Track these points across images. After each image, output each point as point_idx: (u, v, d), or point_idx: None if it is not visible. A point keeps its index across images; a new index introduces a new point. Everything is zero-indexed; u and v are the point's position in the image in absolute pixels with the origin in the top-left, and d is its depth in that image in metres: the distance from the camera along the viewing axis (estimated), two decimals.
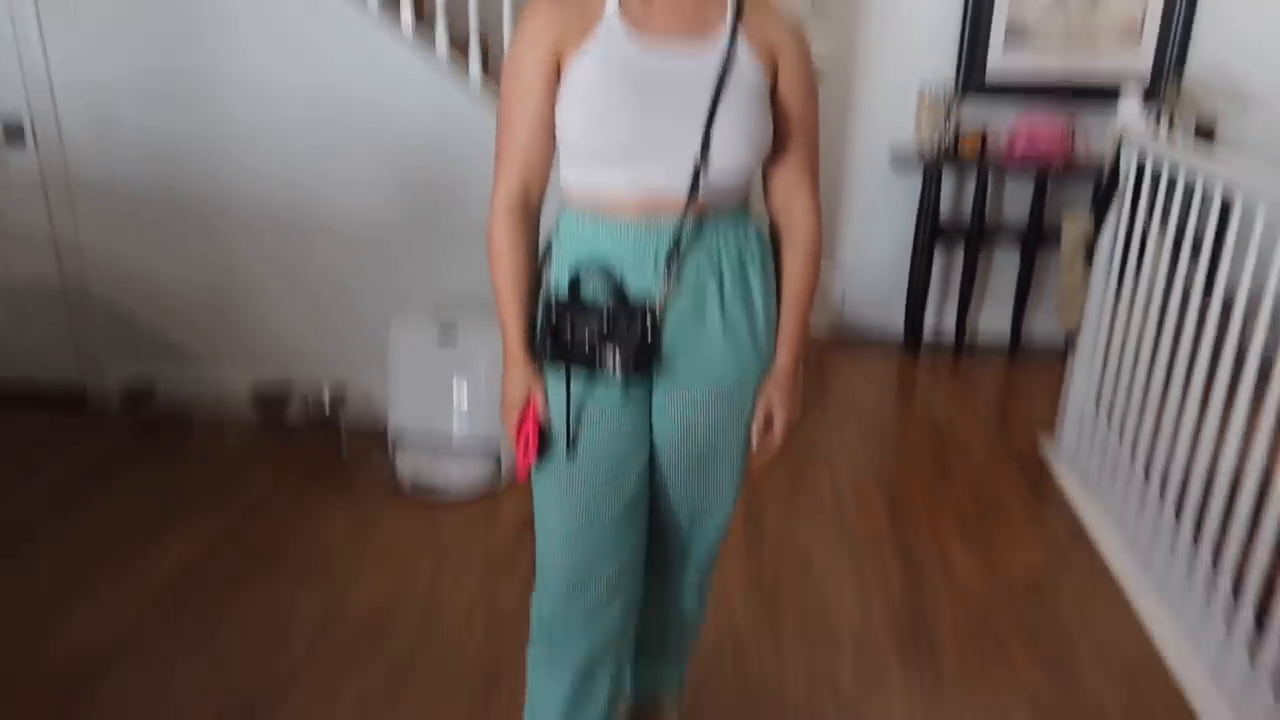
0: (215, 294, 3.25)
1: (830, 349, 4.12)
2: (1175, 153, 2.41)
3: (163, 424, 3.27)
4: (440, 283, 3.08)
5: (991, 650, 2.19)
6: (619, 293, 1.32)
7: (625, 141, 1.28)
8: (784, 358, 1.45)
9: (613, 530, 1.44)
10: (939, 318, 4.22)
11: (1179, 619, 2.24)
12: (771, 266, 1.43)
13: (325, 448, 3.10)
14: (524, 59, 1.31)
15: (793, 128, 1.37)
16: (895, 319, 4.13)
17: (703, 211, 1.33)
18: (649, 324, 1.31)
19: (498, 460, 2.87)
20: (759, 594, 2.38)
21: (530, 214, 1.38)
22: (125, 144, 3.10)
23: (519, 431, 1.40)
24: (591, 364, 1.33)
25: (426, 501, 2.79)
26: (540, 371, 1.39)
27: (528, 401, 1.39)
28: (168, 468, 2.99)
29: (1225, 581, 2.07)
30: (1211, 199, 2.25)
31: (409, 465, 2.85)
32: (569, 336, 1.33)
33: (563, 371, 1.36)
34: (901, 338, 4.10)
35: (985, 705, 2.01)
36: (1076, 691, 2.06)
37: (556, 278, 1.37)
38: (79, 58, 3.02)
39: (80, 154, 3.13)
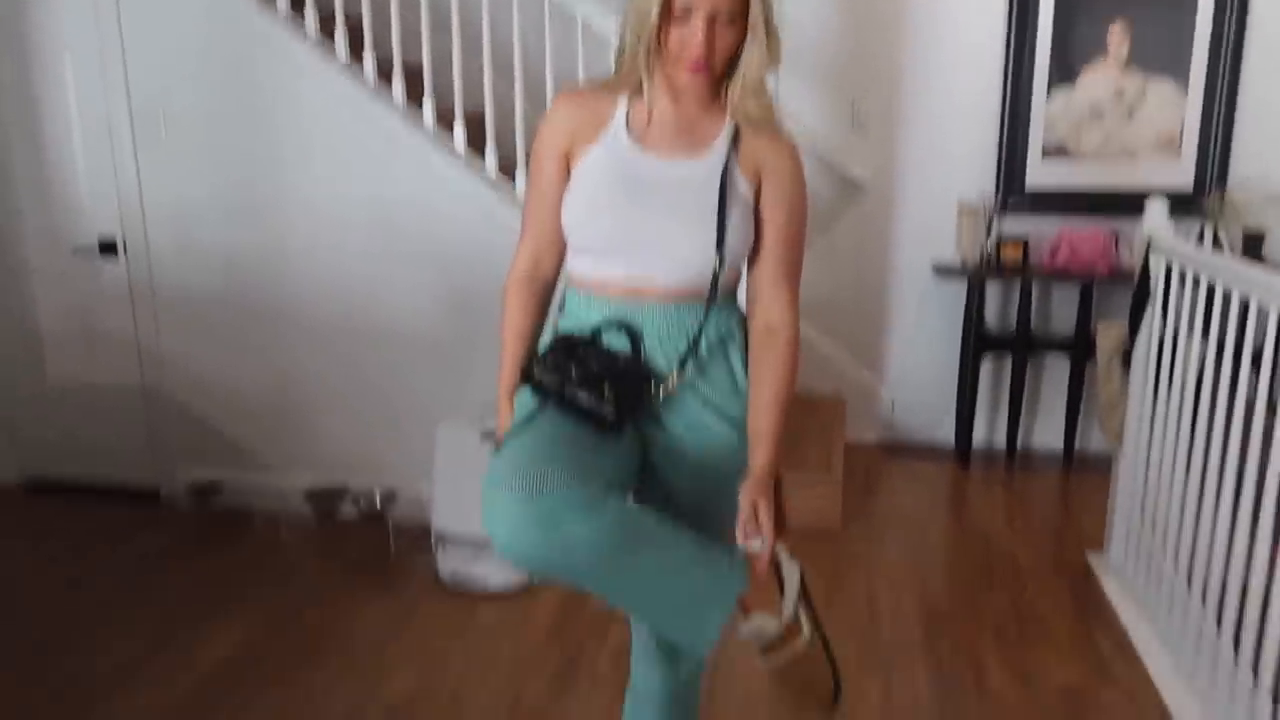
0: (278, 399, 3.44)
1: (879, 457, 4.10)
2: (1204, 259, 2.43)
3: (225, 519, 3.44)
4: (485, 390, 3.19)
5: None
6: (634, 345, 1.47)
7: (612, 235, 1.44)
8: (762, 454, 1.44)
9: (574, 461, 1.34)
10: (991, 427, 4.18)
11: None
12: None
13: (374, 545, 3.21)
14: (542, 148, 1.52)
15: (773, 237, 1.50)
16: (945, 428, 4.10)
17: (710, 301, 1.47)
18: (636, 377, 1.45)
19: None
20: (783, 696, 2.35)
21: (538, 284, 1.58)
22: (204, 256, 3.36)
23: None
24: (588, 386, 1.42)
25: (465, 597, 2.85)
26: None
27: None
28: (226, 561, 3.14)
29: (1264, 701, 1.99)
30: (1249, 306, 2.18)
31: (450, 562, 2.93)
32: (571, 367, 1.43)
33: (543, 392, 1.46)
34: (952, 447, 4.06)
35: None
36: None
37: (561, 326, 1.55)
38: (168, 179, 3.32)
39: (164, 266, 3.40)
